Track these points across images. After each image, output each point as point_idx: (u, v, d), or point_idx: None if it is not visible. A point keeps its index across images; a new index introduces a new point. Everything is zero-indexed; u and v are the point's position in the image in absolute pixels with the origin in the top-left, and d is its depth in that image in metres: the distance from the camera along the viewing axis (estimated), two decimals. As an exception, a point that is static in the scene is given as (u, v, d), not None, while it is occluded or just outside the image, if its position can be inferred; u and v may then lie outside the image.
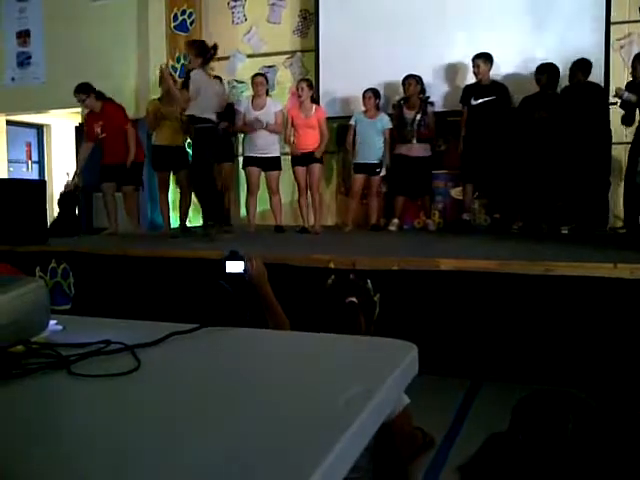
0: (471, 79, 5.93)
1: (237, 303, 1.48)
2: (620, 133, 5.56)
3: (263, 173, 6.02)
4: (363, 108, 6.13)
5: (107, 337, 1.06)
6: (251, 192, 6.08)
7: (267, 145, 5.93)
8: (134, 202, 6.27)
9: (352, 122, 6.14)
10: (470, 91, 5.79)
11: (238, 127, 6.10)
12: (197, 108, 5.29)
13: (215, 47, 5.44)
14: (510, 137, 5.62)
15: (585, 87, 5.40)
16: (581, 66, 5.39)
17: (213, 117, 5.43)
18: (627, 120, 5.15)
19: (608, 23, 5.81)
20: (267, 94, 6.08)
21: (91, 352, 1.01)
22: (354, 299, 1.82)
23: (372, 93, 6.05)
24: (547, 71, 5.53)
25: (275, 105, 6.05)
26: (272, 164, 5.97)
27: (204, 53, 5.34)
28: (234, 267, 1.76)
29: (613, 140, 5.60)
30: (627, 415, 1.63)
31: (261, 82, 5.97)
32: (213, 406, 0.82)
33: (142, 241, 5.42)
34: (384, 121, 6.05)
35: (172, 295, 4.10)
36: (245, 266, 1.78)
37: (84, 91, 5.83)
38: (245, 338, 1.20)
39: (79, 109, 7.59)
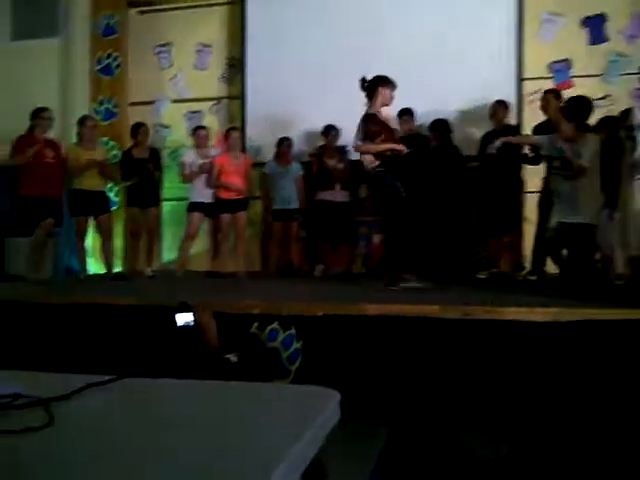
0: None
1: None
2: (532, 182, 5.90)
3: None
4: (271, 156, 6.37)
5: (17, 390, 1.01)
6: (191, 236, 6.13)
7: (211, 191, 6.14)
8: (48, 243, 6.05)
9: (266, 171, 6.33)
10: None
11: (187, 177, 6.14)
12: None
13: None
14: (424, 186, 5.85)
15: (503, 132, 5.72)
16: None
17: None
18: (533, 160, 5.42)
19: (520, 79, 6.24)
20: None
21: (-1, 406, 0.96)
22: (232, 356, 1.83)
23: (287, 142, 6.29)
24: (438, 128, 5.90)
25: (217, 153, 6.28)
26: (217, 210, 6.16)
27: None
28: (184, 319, 1.81)
29: (526, 189, 5.97)
30: (540, 457, 1.68)
31: (205, 134, 6.29)
32: (132, 462, 0.80)
33: (63, 288, 5.29)
34: (297, 168, 6.25)
35: (91, 344, 3.95)
36: (194, 317, 1.81)
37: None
38: (166, 388, 1.17)
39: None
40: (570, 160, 4.27)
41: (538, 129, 5.35)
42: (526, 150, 5.57)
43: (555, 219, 4.49)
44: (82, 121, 6.02)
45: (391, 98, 4.82)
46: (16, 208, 5.68)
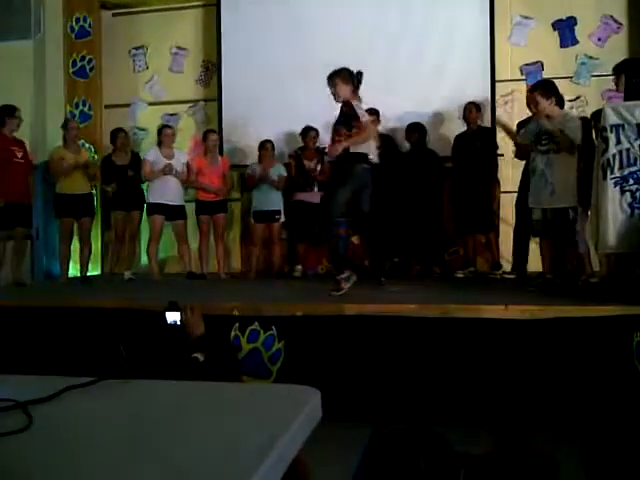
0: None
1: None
2: (509, 181, 5.97)
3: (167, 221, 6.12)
4: (256, 159, 6.31)
5: (-5, 394, 1.00)
6: (155, 239, 6.07)
7: (175, 194, 6.04)
8: (25, 247, 5.98)
9: (250, 172, 6.27)
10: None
11: (148, 175, 6.02)
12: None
13: (360, 73, 4.71)
14: (399, 188, 5.88)
15: (478, 133, 5.80)
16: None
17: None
18: (520, 154, 5.47)
19: (493, 81, 6.30)
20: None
21: (-23, 411, 0.95)
22: (199, 355, 1.83)
23: (270, 144, 6.23)
24: (417, 130, 5.99)
25: (182, 156, 6.22)
26: (179, 213, 6.09)
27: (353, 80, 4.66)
28: (172, 317, 1.87)
29: (502, 189, 6.05)
30: (521, 452, 1.70)
31: (172, 134, 6.17)
32: (111, 464, 0.79)
33: (43, 291, 5.30)
34: (280, 170, 6.20)
35: (72, 347, 3.90)
36: (181, 316, 1.85)
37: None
38: (146, 390, 1.17)
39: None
40: (553, 133, 4.40)
41: (521, 125, 5.42)
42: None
43: (537, 207, 4.60)
44: (66, 124, 6.00)
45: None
46: None
